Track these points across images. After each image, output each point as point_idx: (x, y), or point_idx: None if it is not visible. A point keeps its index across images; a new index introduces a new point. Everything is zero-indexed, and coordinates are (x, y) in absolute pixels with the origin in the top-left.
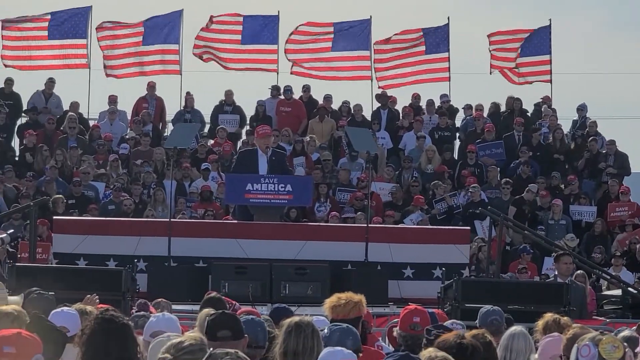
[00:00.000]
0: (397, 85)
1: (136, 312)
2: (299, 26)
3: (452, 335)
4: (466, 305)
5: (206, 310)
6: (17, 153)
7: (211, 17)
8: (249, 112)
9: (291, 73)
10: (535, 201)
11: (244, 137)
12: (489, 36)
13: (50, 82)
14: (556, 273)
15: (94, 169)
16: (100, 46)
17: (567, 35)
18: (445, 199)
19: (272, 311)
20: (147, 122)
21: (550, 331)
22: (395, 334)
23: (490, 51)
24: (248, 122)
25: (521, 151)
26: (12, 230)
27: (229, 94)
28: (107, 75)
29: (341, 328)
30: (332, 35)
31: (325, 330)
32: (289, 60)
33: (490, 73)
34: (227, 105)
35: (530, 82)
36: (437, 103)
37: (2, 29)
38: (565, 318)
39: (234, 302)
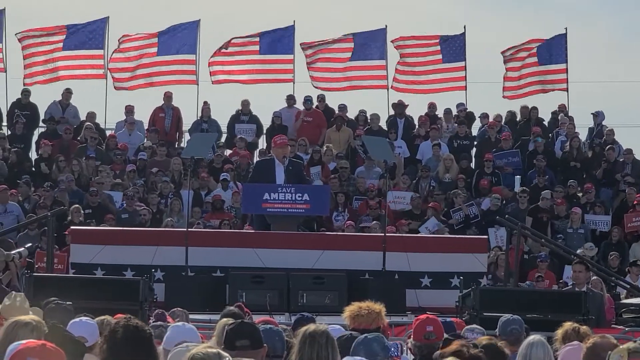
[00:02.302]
0: (413, 92)
1: (154, 322)
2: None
3: (454, 346)
4: (484, 314)
5: (224, 320)
6: (34, 163)
7: (230, 41)
8: (265, 121)
9: (315, 86)
10: (553, 209)
11: (260, 146)
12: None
13: (67, 93)
14: (574, 282)
15: (111, 178)
16: (109, 59)
17: (583, 44)
18: (462, 209)
19: (296, 320)
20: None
21: (569, 340)
22: (410, 344)
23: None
24: (265, 132)
25: (537, 160)
26: (29, 244)
27: (245, 103)
28: (116, 88)
29: (367, 339)
30: (351, 45)
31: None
32: (309, 70)
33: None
34: (244, 115)
35: (547, 91)
36: (454, 112)
37: (19, 42)
38: (585, 327)
39: (248, 311)
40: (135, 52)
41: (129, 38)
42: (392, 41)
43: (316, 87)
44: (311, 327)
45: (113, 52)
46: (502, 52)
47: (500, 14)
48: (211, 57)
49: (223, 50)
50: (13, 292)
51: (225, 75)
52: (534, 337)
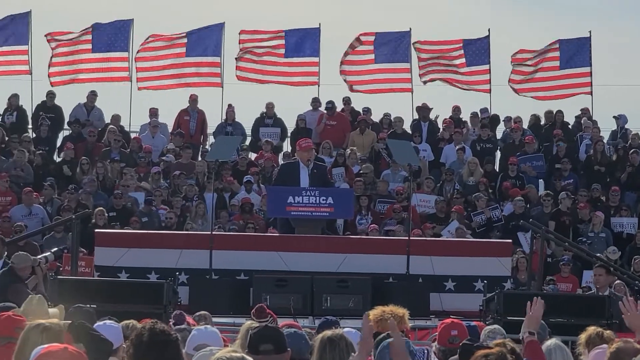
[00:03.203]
0: (436, 79)
1: (172, 323)
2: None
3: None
4: (508, 317)
5: (248, 323)
6: (58, 166)
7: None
8: (289, 124)
9: (350, 89)
10: (576, 212)
11: (285, 149)
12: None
13: (92, 95)
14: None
15: (135, 181)
16: (135, 58)
17: (606, 47)
18: (484, 212)
19: (321, 324)
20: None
21: (593, 344)
22: (434, 349)
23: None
24: (289, 135)
25: (562, 163)
26: (55, 249)
27: (269, 106)
28: (140, 88)
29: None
30: (372, 47)
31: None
32: (341, 74)
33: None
34: (268, 118)
35: (570, 95)
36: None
37: (48, 43)
38: (608, 331)
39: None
40: (163, 51)
41: (158, 38)
42: (414, 44)
43: (347, 82)
44: (328, 332)
45: (138, 52)
46: (518, 53)
47: (525, 17)
48: (238, 54)
49: (248, 51)
50: (31, 295)
51: (250, 74)
52: (551, 341)
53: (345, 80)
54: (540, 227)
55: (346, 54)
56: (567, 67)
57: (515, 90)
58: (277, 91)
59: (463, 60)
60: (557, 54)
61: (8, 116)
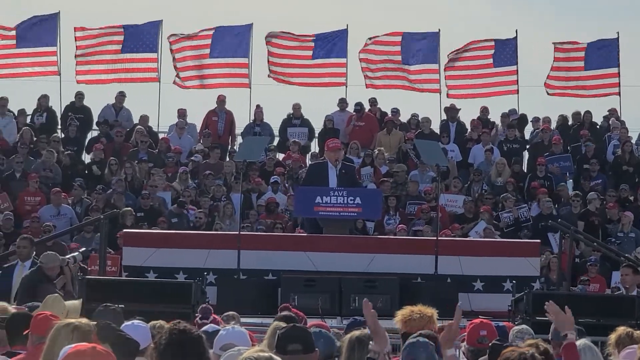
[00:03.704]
0: (465, 97)
1: (199, 317)
2: (368, 44)
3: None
4: (537, 318)
5: (276, 323)
6: (87, 166)
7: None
8: (317, 124)
9: (367, 86)
10: (605, 212)
11: (312, 149)
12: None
13: (121, 96)
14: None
15: (164, 181)
16: (172, 50)
17: (634, 47)
18: (512, 211)
19: (349, 324)
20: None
21: (623, 345)
22: (463, 349)
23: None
24: (317, 136)
25: (590, 164)
26: (83, 248)
27: (297, 107)
28: (175, 82)
29: (419, 342)
30: (399, 48)
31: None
32: (364, 73)
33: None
34: (296, 119)
35: (598, 96)
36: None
37: (76, 41)
38: (638, 332)
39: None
40: (188, 52)
41: (180, 38)
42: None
43: (368, 86)
44: (357, 332)
45: (171, 44)
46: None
47: (552, 17)
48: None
49: (272, 44)
50: (49, 295)
51: (277, 75)
52: (581, 341)
53: (366, 77)
54: (569, 227)
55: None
56: (594, 68)
57: (548, 89)
58: (305, 92)
59: (490, 60)
60: (582, 54)
61: (38, 117)
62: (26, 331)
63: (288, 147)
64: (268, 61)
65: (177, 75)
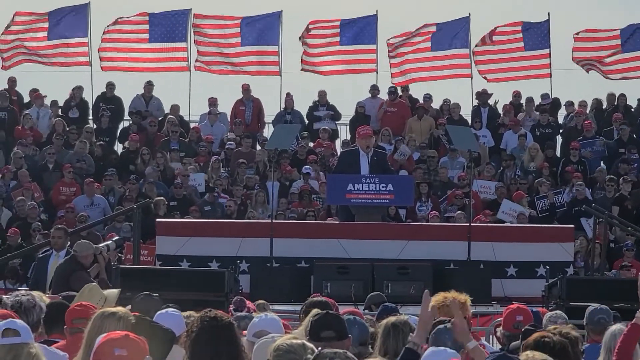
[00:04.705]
0: (497, 80)
1: (233, 309)
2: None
3: (536, 335)
4: (571, 303)
5: (314, 310)
6: (120, 156)
7: (308, 25)
8: (348, 112)
9: (392, 77)
10: (638, 197)
11: (343, 136)
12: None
13: (149, 85)
14: None
15: (196, 170)
16: (195, 41)
17: None
18: (548, 196)
19: (380, 310)
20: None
21: None
22: (499, 334)
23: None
24: (349, 123)
25: (628, 149)
26: (117, 237)
27: (322, 94)
28: (197, 68)
29: (445, 329)
30: (430, 36)
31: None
32: (392, 65)
33: (587, 71)
34: (321, 106)
35: (630, 78)
36: (537, 101)
37: (105, 34)
38: None
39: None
40: (217, 39)
41: (209, 25)
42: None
43: (394, 84)
44: (392, 318)
45: (195, 36)
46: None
47: (586, 1)
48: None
49: (303, 40)
50: (94, 282)
51: (308, 66)
52: (615, 327)
53: (393, 74)
54: (604, 212)
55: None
56: (630, 50)
57: (578, 62)
58: (335, 79)
59: (521, 44)
60: (618, 41)
61: (72, 112)
62: (66, 320)
63: (318, 135)
64: (303, 52)
65: (198, 60)
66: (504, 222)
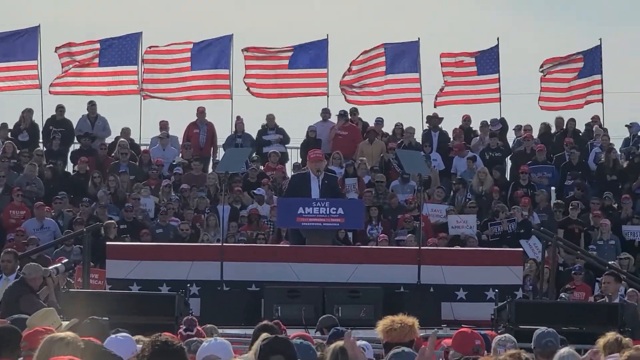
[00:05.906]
0: (448, 103)
1: (184, 329)
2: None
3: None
4: (520, 327)
5: (264, 335)
6: (70, 179)
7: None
8: (299, 136)
9: (346, 101)
10: (589, 220)
11: (293, 159)
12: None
13: (92, 106)
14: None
15: (148, 193)
16: (144, 69)
17: (617, 54)
18: (502, 224)
19: (331, 334)
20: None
21: (611, 350)
22: (449, 356)
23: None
24: (299, 146)
25: (572, 174)
26: (66, 260)
27: (270, 117)
28: (145, 97)
29: (404, 353)
30: (383, 59)
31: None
32: (342, 90)
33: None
34: (270, 130)
35: (582, 105)
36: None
37: (60, 58)
38: (627, 338)
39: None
40: (168, 65)
41: (159, 50)
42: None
43: (349, 102)
44: (340, 342)
45: (143, 62)
46: (543, 63)
47: (535, 26)
48: (246, 70)
49: (255, 63)
50: (44, 305)
51: (259, 89)
52: (563, 350)
53: (344, 91)
54: (552, 235)
55: (351, 67)
56: (581, 77)
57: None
58: (285, 102)
59: (474, 69)
60: (580, 64)
61: (22, 136)
62: (19, 343)
63: (268, 158)
64: (245, 75)
65: (149, 90)
66: (459, 236)
